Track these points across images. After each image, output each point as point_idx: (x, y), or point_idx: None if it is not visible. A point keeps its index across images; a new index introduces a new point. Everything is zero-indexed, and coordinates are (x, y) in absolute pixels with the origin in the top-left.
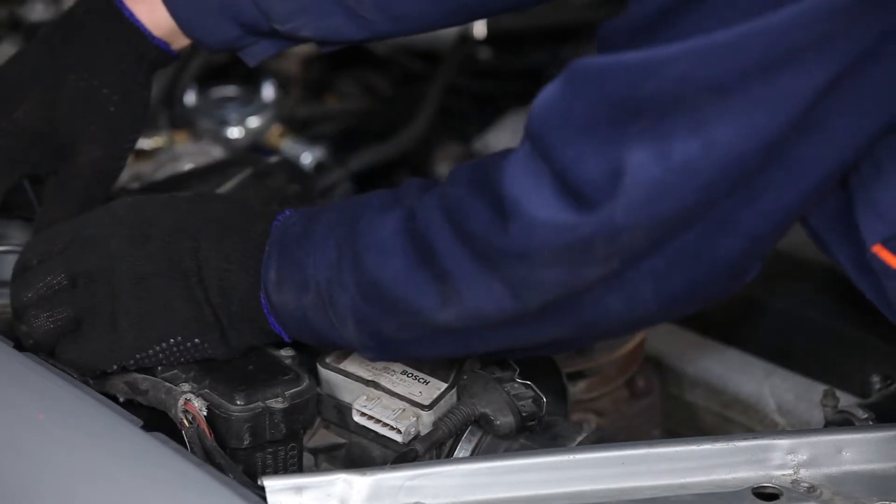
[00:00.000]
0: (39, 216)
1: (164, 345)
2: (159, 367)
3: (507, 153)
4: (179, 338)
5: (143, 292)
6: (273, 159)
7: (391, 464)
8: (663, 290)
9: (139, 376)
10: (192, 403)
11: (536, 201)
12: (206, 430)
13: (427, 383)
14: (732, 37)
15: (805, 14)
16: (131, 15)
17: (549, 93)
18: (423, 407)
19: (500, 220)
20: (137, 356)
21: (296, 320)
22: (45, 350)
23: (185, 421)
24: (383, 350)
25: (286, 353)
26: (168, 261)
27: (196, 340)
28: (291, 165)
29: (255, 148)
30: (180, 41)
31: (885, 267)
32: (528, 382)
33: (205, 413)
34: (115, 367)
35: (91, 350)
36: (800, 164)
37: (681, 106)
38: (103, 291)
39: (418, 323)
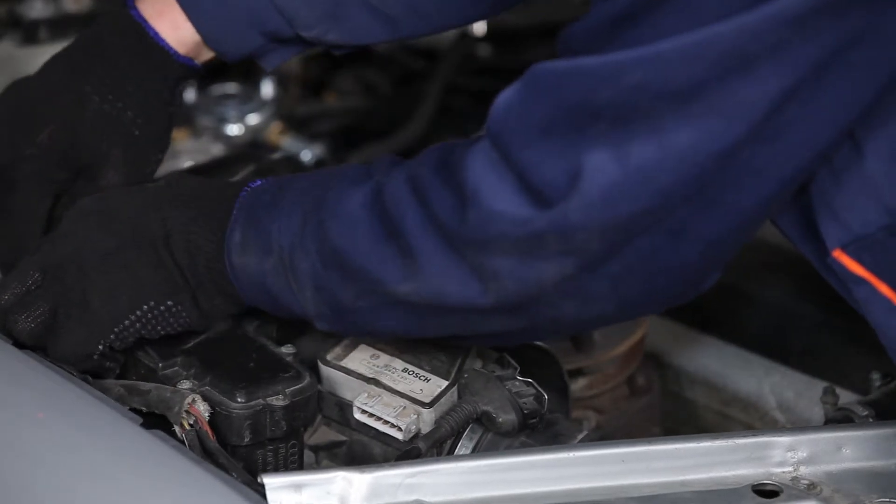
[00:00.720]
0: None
1: (137, 313)
2: (160, 364)
3: (474, 141)
4: (152, 302)
5: (110, 266)
6: (276, 155)
7: (395, 461)
8: (620, 293)
9: (139, 382)
10: (195, 406)
11: (494, 193)
12: (209, 432)
13: (428, 381)
14: (687, 44)
15: (758, 22)
16: (156, 34)
17: (507, 95)
18: (423, 404)
19: (460, 207)
20: (116, 330)
21: (256, 285)
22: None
23: (185, 423)
24: (338, 319)
25: (287, 350)
26: (133, 233)
27: (168, 303)
28: (294, 161)
29: (254, 145)
30: (204, 55)
31: (846, 271)
32: (530, 380)
33: (207, 416)
34: (99, 347)
35: (71, 337)
36: (757, 171)
37: (638, 111)
38: (72, 276)
39: (378, 292)
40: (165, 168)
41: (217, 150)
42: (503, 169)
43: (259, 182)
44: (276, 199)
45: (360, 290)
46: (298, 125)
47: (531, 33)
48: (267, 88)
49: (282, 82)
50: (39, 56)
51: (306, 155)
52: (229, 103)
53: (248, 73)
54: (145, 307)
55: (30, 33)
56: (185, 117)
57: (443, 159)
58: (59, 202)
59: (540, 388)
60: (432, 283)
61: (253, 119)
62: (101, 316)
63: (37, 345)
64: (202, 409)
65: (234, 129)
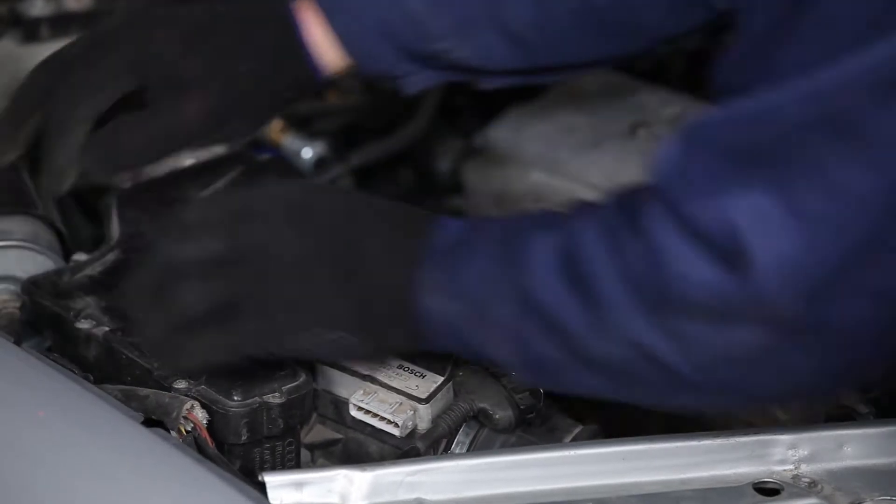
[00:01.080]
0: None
1: (312, 334)
2: (155, 364)
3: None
4: (328, 329)
5: (300, 274)
6: (265, 157)
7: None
8: (816, 365)
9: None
10: (193, 412)
11: (677, 254)
12: (208, 439)
13: (423, 377)
14: (843, 73)
15: None
16: (300, 34)
17: (667, 151)
18: (420, 400)
19: (654, 265)
20: (287, 345)
21: (447, 328)
22: (182, 334)
23: (182, 430)
24: (534, 372)
25: None
26: (329, 243)
27: (344, 334)
28: (284, 163)
29: (255, 143)
30: (335, 62)
31: None
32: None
33: (205, 422)
34: (268, 352)
35: (244, 333)
36: None
37: (803, 152)
38: (257, 269)
39: (572, 349)
40: (165, 165)
41: (219, 148)
42: (679, 227)
43: (447, 219)
44: (467, 240)
45: (555, 345)
46: (299, 123)
47: None
48: None
49: None
50: (40, 54)
51: (307, 153)
52: None
53: None
54: (320, 330)
55: (31, 31)
56: None
57: (630, 208)
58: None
59: None
60: (625, 336)
61: None
62: (280, 328)
63: (188, 325)
64: (200, 415)
65: None
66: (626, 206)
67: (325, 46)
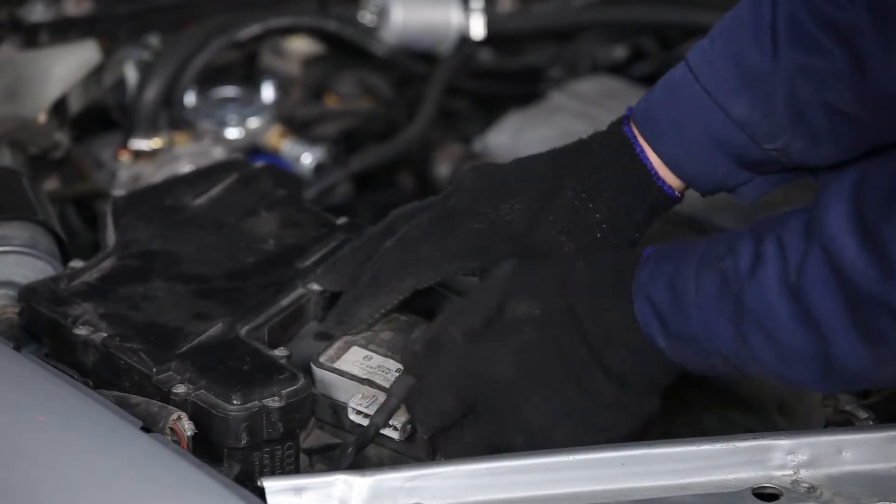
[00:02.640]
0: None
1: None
2: (154, 369)
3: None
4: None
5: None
6: (259, 164)
7: (349, 442)
8: None
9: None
10: (179, 423)
11: None
12: (187, 450)
13: None
14: None
15: None
16: (641, 151)
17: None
18: None
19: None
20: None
21: (706, 371)
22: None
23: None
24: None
25: (281, 352)
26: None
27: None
28: (278, 170)
29: (254, 149)
30: (674, 181)
31: None
32: None
33: (190, 434)
34: None
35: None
36: None
37: None
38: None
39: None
40: (164, 172)
41: (218, 153)
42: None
43: (642, 270)
44: (678, 301)
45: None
46: (299, 128)
47: (530, 37)
48: (267, 92)
49: (282, 86)
50: (40, 59)
51: (307, 158)
52: (230, 106)
53: (248, 76)
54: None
55: (30, 37)
56: (185, 121)
57: (858, 218)
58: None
59: None
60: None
61: (253, 122)
62: (556, 439)
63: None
64: (186, 426)
65: (234, 133)
66: (859, 225)
67: (660, 166)
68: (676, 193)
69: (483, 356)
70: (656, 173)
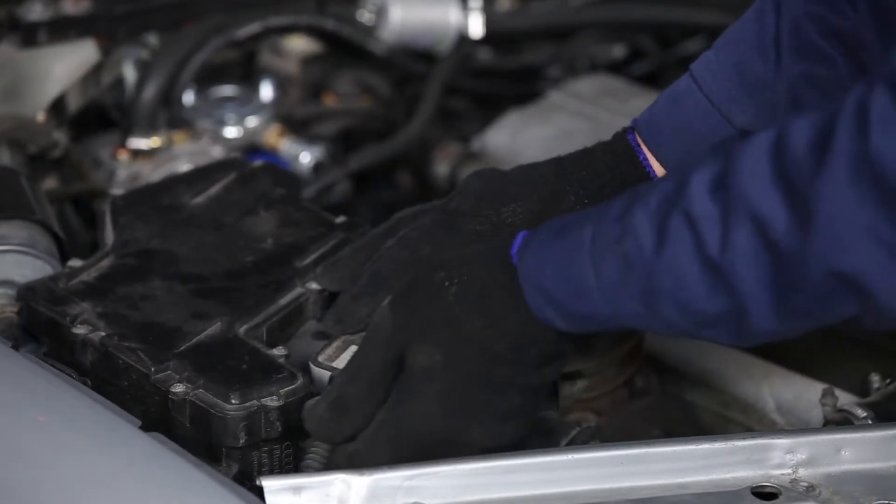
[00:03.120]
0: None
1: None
2: (152, 368)
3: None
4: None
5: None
6: (257, 163)
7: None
8: None
9: None
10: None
11: None
12: None
13: None
14: None
15: None
16: (645, 159)
17: None
18: None
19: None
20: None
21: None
22: None
23: None
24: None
25: (279, 352)
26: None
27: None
28: (276, 169)
29: (253, 148)
30: None
31: None
32: None
33: None
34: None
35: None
36: None
37: None
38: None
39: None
40: (163, 171)
41: (216, 152)
42: None
43: (523, 260)
44: (577, 291)
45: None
46: (297, 127)
47: (529, 36)
48: (266, 91)
49: (281, 85)
50: (39, 58)
51: (305, 157)
52: (228, 106)
53: (246, 75)
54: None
55: (29, 35)
56: (184, 120)
57: (783, 181)
58: None
59: None
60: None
61: (252, 121)
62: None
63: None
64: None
65: (232, 132)
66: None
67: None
68: None
69: (413, 416)
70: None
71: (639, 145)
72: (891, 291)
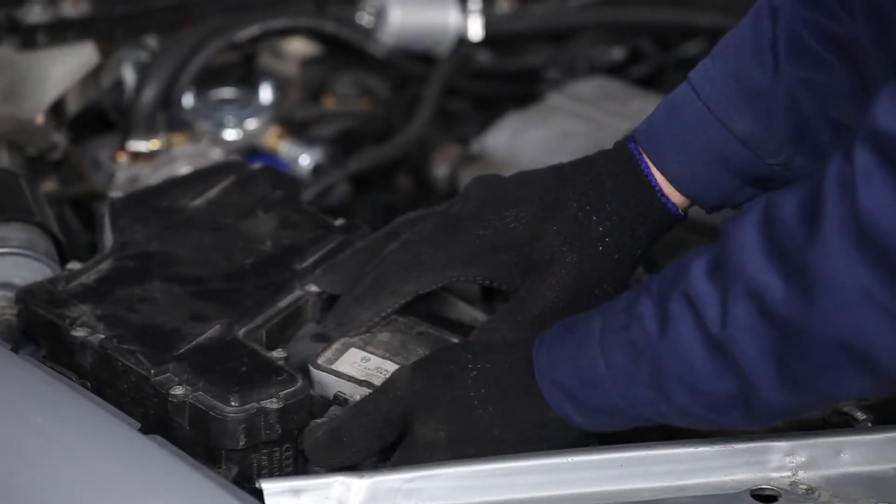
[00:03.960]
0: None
1: None
2: (152, 371)
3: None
4: None
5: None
6: (256, 165)
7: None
8: None
9: None
10: None
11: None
12: None
13: None
14: None
15: None
16: (646, 167)
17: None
18: None
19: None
20: None
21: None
22: None
23: None
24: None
25: (278, 354)
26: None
27: None
28: (275, 171)
29: (252, 150)
30: (678, 197)
31: None
32: None
33: None
34: None
35: None
36: None
37: None
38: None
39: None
40: (162, 173)
41: (216, 154)
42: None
43: (539, 357)
44: (590, 382)
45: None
46: (297, 129)
47: (528, 38)
48: (265, 93)
49: (280, 87)
50: (38, 60)
51: (305, 159)
52: (227, 108)
53: (246, 77)
54: None
55: (28, 38)
56: (183, 122)
57: (776, 251)
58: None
59: None
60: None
61: (251, 124)
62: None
63: None
64: None
65: (232, 134)
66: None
67: (665, 184)
68: (680, 211)
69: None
70: (660, 190)
71: (640, 154)
72: (890, 354)
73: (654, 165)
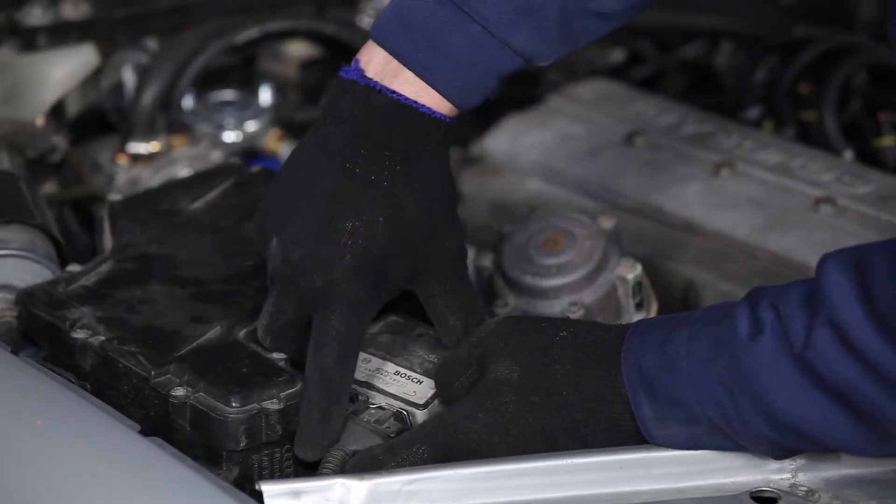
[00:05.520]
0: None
1: None
2: (152, 372)
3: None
4: None
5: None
6: (256, 168)
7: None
8: None
9: None
10: None
11: None
12: None
13: (421, 383)
14: None
15: None
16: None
17: None
18: (418, 406)
19: None
20: None
21: (690, 446)
22: None
23: None
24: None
25: (279, 355)
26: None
27: None
28: (274, 174)
29: (252, 152)
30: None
31: None
32: (381, 405)
33: None
34: None
35: None
36: None
37: None
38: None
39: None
40: (162, 175)
41: (215, 156)
42: None
43: (629, 337)
44: (669, 364)
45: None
46: (297, 132)
47: None
48: (265, 95)
49: (280, 89)
50: (38, 62)
51: None
52: (227, 110)
53: (246, 79)
54: None
55: (28, 40)
56: (183, 124)
57: (864, 296)
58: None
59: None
60: None
61: (251, 126)
62: None
63: None
64: None
65: (232, 136)
66: (857, 292)
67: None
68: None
69: (460, 414)
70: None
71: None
72: None
73: (433, 87)
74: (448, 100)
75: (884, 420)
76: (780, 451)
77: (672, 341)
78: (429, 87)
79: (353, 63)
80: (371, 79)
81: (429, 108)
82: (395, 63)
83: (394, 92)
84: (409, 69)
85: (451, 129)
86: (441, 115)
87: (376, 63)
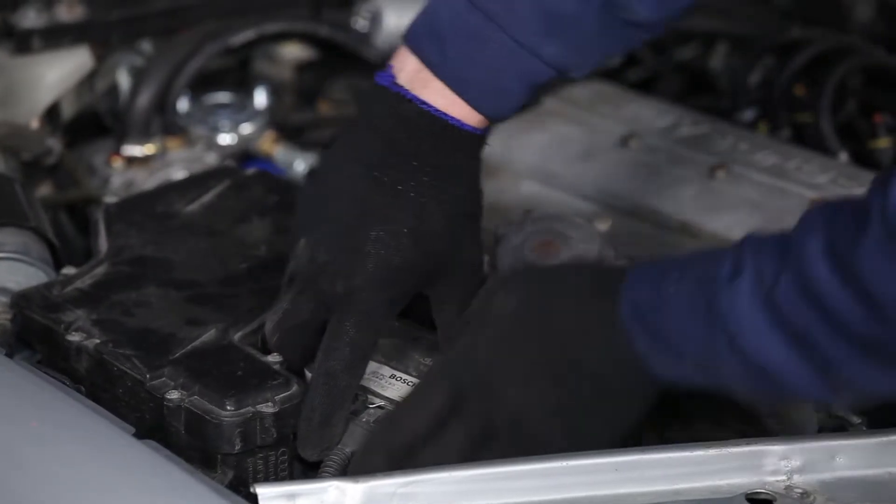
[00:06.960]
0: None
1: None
2: (147, 375)
3: (859, 228)
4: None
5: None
6: (251, 170)
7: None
8: None
9: None
10: None
11: None
12: None
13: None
14: None
15: None
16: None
17: None
18: None
19: (876, 319)
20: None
21: (685, 385)
22: None
23: None
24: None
25: (274, 358)
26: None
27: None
28: (270, 176)
29: (247, 155)
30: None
31: None
32: (380, 405)
33: None
34: None
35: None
36: None
37: None
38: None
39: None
40: (157, 178)
41: (211, 159)
42: None
43: (630, 276)
44: (661, 299)
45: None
46: (292, 134)
47: None
48: (260, 98)
49: (275, 91)
50: (33, 65)
51: (300, 164)
52: (222, 112)
53: (241, 82)
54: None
55: (23, 42)
56: (178, 126)
57: (832, 253)
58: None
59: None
60: (861, 389)
61: (246, 128)
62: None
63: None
64: None
65: (227, 139)
66: (827, 248)
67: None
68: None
69: (463, 346)
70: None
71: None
72: None
73: (461, 96)
74: (478, 111)
75: (840, 369)
76: (758, 396)
77: (665, 279)
78: (459, 98)
79: (385, 67)
80: (402, 86)
81: (459, 120)
82: (426, 72)
83: (424, 102)
84: (440, 79)
85: (481, 141)
86: (471, 127)
87: (408, 71)
